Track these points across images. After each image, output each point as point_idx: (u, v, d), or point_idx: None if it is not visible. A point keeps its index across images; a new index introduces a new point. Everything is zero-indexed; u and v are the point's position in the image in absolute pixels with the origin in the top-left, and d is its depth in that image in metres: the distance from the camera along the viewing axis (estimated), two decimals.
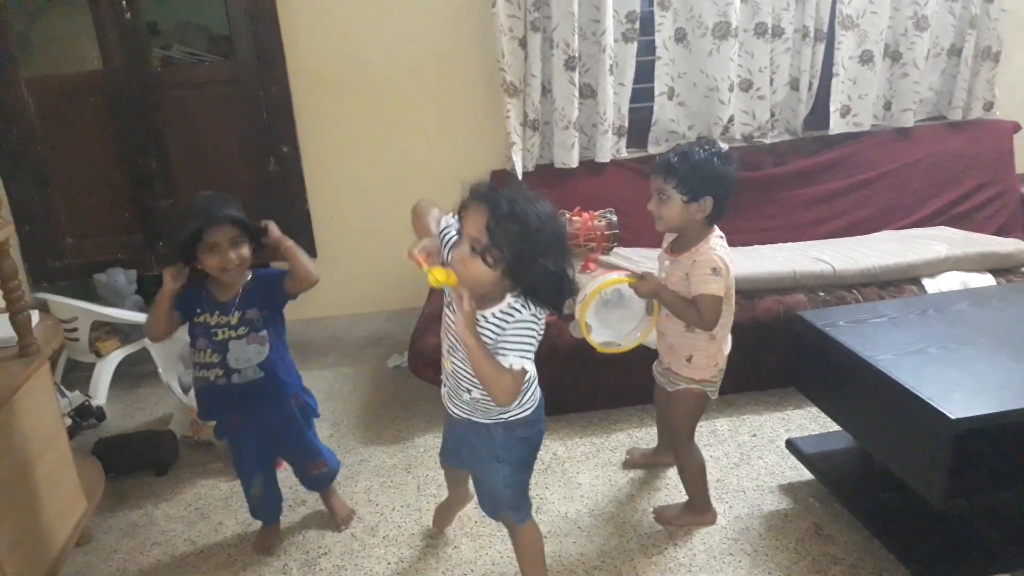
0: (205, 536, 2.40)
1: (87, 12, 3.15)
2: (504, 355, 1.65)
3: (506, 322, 1.67)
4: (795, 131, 3.56)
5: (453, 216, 1.73)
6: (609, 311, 2.22)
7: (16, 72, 3.14)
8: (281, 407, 2.20)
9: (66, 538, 2.19)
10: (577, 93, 3.28)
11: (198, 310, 2.09)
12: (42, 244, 3.31)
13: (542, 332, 1.70)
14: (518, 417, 1.83)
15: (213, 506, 2.54)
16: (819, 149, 3.53)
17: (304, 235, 3.43)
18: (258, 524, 2.36)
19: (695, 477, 2.30)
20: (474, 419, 1.85)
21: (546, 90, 3.31)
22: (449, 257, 1.72)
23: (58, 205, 3.29)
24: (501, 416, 1.82)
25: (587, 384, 2.86)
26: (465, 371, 1.76)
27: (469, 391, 1.80)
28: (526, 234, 1.56)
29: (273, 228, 2.08)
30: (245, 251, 2.03)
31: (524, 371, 1.66)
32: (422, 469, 2.68)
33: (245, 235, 2.03)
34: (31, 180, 3.23)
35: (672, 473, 2.53)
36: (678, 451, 2.29)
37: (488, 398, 1.72)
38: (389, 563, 2.24)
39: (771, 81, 3.45)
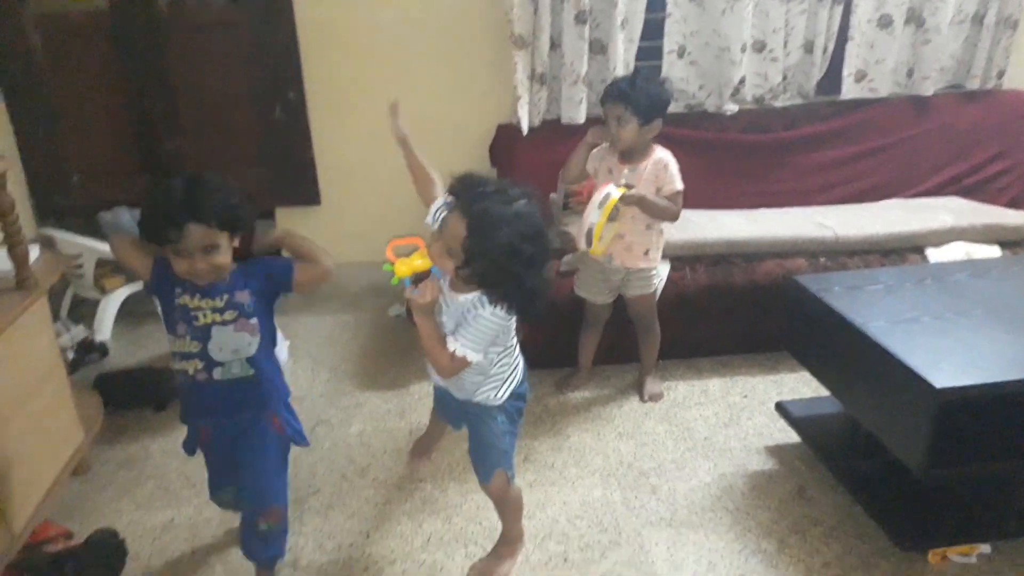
0: (199, 472, 2.41)
1: None
2: (455, 339, 1.68)
3: (469, 312, 1.68)
4: (807, 95, 3.50)
5: (446, 199, 1.71)
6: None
7: (23, 10, 3.13)
8: (260, 422, 1.85)
9: (60, 468, 2.24)
10: (587, 48, 3.24)
11: (177, 290, 1.74)
12: (48, 181, 3.33)
13: (509, 327, 1.73)
14: (491, 403, 1.85)
15: None
16: (831, 114, 3.47)
17: (308, 183, 3.44)
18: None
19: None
20: (451, 390, 1.87)
21: (555, 44, 3.27)
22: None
23: (65, 143, 3.30)
24: (476, 399, 1.84)
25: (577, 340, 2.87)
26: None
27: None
28: (502, 257, 1.54)
29: (278, 235, 1.88)
30: (219, 259, 1.68)
31: (465, 360, 1.69)
32: (415, 416, 2.71)
33: (223, 236, 1.68)
34: (38, 118, 3.24)
35: (657, 430, 2.56)
36: (654, 332, 2.73)
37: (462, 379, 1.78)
38: (376, 504, 2.29)
39: (785, 43, 3.39)
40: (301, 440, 1.95)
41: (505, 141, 3.37)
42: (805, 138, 3.43)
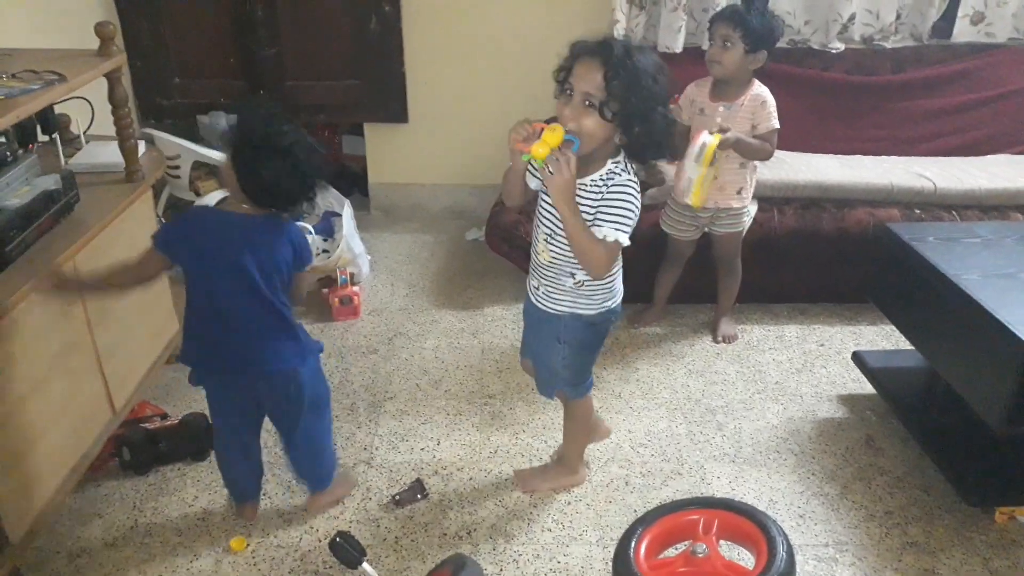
0: None
1: None
2: (600, 226, 1.63)
3: (606, 186, 1.64)
4: (920, 37, 3.32)
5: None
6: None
7: None
8: None
9: (159, 354, 2.39)
10: None
11: None
12: (152, 81, 3.44)
13: (639, 208, 1.65)
14: (593, 312, 1.81)
15: None
16: (944, 59, 3.28)
17: (397, 99, 3.46)
18: None
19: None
20: (553, 309, 1.82)
21: None
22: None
23: (169, 44, 3.39)
24: (580, 310, 1.80)
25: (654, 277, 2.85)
26: (567, 255, 1.71)
27: (573, 275, 1.76)
28: (642, 84, 1.55)
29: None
30: None
31: (618, 244, 1.64)
32: (488, 336, 2.77)
33: None
34: (145, 17, 3.33)
35: (728, 370, 2.57)
36: (735, 272, 2.71)
37: (590, 280, 1.73)
38: (448, 414, 2.37)
39: None
40: None
41: None
42: (912, 83, 3.26)
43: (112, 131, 2.23)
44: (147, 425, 2.20)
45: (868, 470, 2.17)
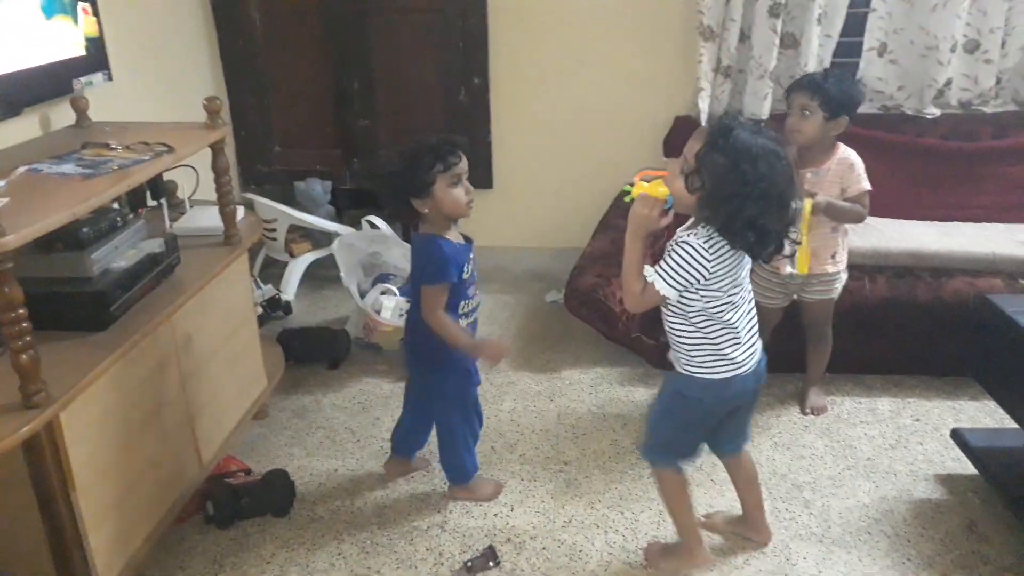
0: (363, 427, 2.63)
1: None
2: (656, 274, 1.69)
3: (677, 240, 1.69)
4: (1023, 102, 3.20)
5: None
6: None
7: None
8: None
9: (245, 410, 2.47)
10: (778, 42, 3.13)
11: (465, 268, 2.05)
12: (254, 149, 3.65)
13: (691, 269, 1.65)
14: (682, 371, 1.83)
15: (374, 402, 2.77)
16: None
17: (483, 165, 3.56)
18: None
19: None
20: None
21: (744, 36, 3.18)
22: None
23: (271, 115, 3.61)
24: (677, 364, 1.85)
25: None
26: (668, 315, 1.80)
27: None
28: (731, 171, 1.55)
29: None
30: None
31: (654, 291, 1.69)
32: (564, 400, 2.75)
33: None
34: (250, 90, 3.56)
35: (816, 444, 2.46)
36: (826, 341, 2.61)
37: (677, 332, 1.79)
38: (522, 479, 2.35)
39: (1003, 43, 3.11)
40: None
41: (682, 133, 3.28)
42: (1015, 149, 3.13)
43: (214, 196, 2.37)
44: (231, 480, 2.27)
45: (971, 558, 2.02)
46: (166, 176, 2.60)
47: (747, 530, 2.10)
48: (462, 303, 2.08)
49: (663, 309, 1.79)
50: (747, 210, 1.56)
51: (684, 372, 1.81)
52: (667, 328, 1.81)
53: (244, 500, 2.21)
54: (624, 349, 2.92)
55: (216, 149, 2.31)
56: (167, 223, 2.49)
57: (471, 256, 2.10)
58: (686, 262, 1.66)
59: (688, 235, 1.68)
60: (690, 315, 1.74)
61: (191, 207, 2.64)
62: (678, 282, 1.67)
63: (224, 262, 2.31)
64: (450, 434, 2.23)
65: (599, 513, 2.21)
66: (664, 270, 1.68)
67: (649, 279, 1.70)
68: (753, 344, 1.81)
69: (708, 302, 1.71)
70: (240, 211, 2.61)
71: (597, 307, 2.81)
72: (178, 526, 2.16)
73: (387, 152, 3.56)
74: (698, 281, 1.67)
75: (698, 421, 1.89)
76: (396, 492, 2.32)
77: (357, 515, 2.23)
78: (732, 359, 1.77)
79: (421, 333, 2.06)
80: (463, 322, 2.09)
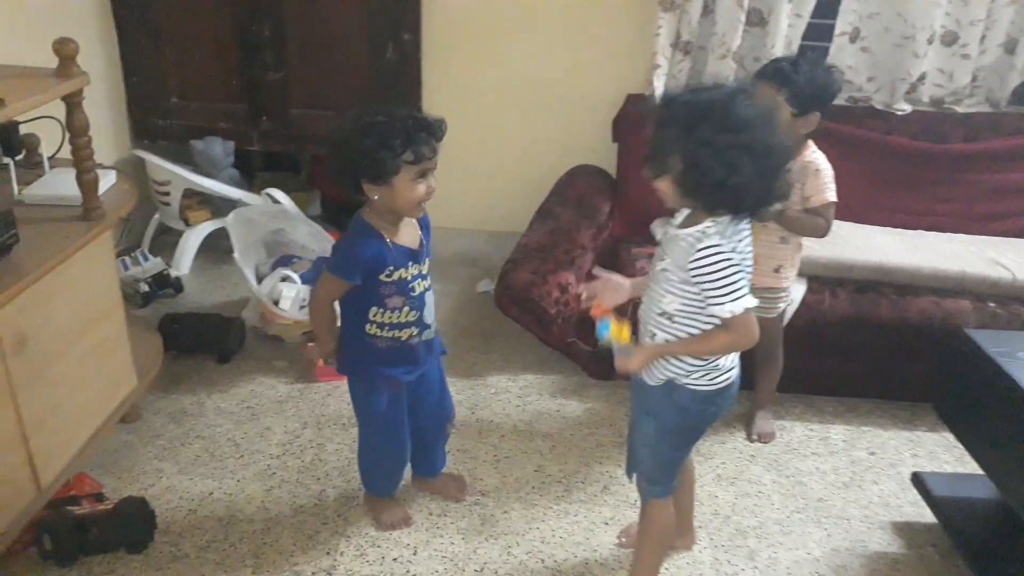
0: (249, 439, 2.26)
1: None
2: (720, 304, 1.44)
3: (693, 248, 1.43)
4: (998, 103, 2.96)
5: None
6: None
7: None
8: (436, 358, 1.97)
9: (107, 416, 2.08)
10: (744, 18, 2.81)
11: (390, 268, 1.72)
12: (147, 100, 3.18)
13: (738, 265, 1.44)
14: (685, 383, 1.57)
15: (265, 407, 2.40)
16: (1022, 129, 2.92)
17: None
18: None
19: None
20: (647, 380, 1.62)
21: (707, 9, 2.85)
22: None
23: (167, 62, 3.13)
24: (668, 376, 1.58)
25: None
26: (649, 311, 1.57)
27: (653, 335, 1.57)
28: (688, 129, 1.36)
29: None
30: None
31: (746, 311, 1.45)
32: (488, 413, 2.44)
33: None
34: (145, 32, 3.08)
35: (764, 479, 2.20)
36: (774, 362, 2.33)
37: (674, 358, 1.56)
38: (430, 514, 2.03)
39: (982, 38, 2.86)
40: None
41: (634, 113, 3.00)
42: (987, 154, 2.89)
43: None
44: (75, 509, 1.88)
45: None
46: (25, 130, 2.19)
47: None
48: (374, 310, 1.75)
49: (657, 324, 1.55)
50: (742, 170, 1.35)
51: (689, 386, 1.57)
52: (668, 340, 1.54)
53: (92, 533, 1.83)
54: (559, 354, 2.61)
55: (72, 103, 1.89)
56: (14, 188, 2.07)
57: (409, 264, 1.75)
58: (729, 266, 1.43)
59: (705, 238, 1.43)
60: (701, 321, 1.51)
61: (50, 168, 2.20)
62: (735, 282, 1.44)
63: (78, 242, 1.90)
64: (360, 439, 1.97)
65: (516, 560, 1.91)
66: (729, 290, 1.43)
67: (736, 311, 1.44)
68: None
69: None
70: (110, 177, 2.20)
71: (531, 308, 2.48)
72: (7, 563, 1.78)
73: (300, 112, 3.14)
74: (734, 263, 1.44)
75: (698, 435, 1.71)
76: (281, 525, 1.97)
77: (230, 553, 1.88)
78: (732, 359, 1.61)
79: (343, 327, 1.84)
80: (378, 332, 1.77)
